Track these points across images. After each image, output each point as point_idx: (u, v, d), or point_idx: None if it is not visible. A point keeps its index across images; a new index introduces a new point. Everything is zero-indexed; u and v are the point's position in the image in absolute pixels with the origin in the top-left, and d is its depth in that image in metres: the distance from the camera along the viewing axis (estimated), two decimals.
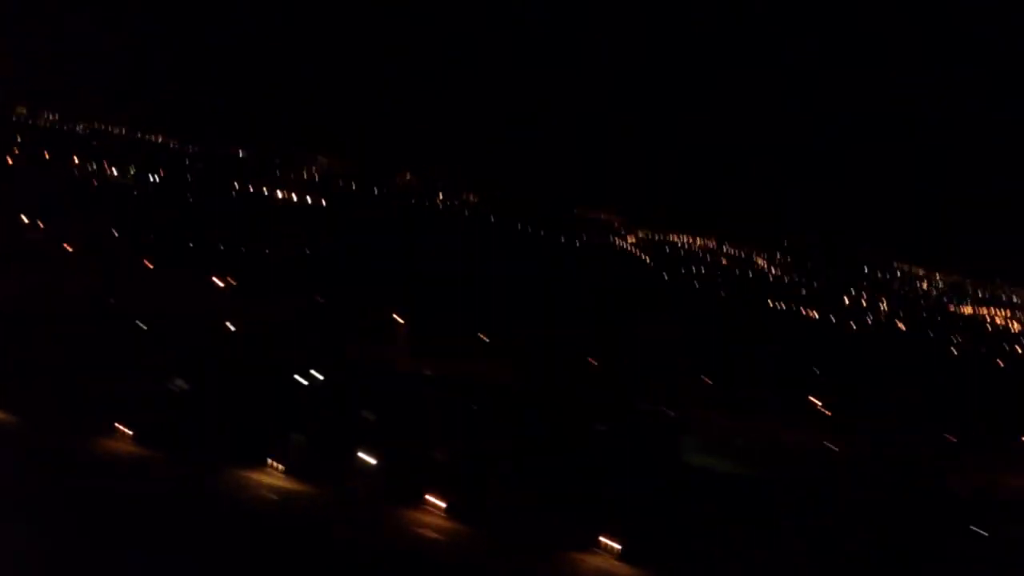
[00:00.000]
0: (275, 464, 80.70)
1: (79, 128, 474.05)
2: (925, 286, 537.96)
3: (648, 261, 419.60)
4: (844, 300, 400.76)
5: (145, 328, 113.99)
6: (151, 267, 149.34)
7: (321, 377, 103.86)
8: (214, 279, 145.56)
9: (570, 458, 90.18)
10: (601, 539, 75.25)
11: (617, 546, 74.65)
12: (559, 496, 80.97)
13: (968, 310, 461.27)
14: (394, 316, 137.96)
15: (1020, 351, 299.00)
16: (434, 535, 75.12)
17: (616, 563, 73.99)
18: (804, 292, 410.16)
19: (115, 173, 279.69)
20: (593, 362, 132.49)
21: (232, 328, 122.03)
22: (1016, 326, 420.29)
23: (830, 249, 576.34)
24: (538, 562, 72.55)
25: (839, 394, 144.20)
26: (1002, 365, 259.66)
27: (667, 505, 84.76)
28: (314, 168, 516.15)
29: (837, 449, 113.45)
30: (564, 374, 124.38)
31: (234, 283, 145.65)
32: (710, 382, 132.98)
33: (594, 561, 74.03)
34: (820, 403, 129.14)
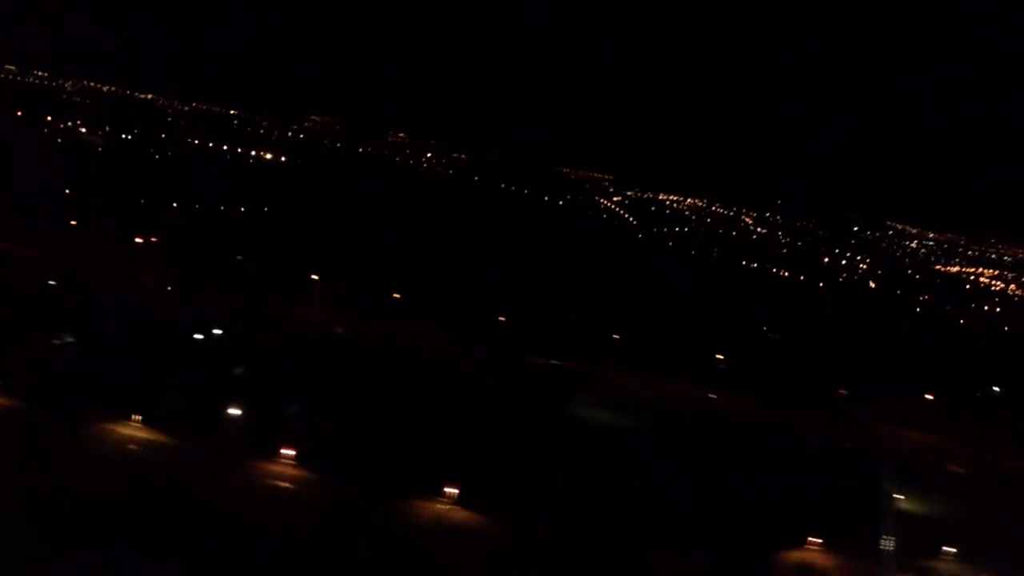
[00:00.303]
0: (137, 417, 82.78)
1: (67, 85, 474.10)
2: (914, 245, 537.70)
3: (631, 220, 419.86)
4: (824, 259, 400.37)
5: (54, 284, 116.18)
6: (75, 224, 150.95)
7: (219, 334, 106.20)
8: (138, 239, 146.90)
9: (437, 409, 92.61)
10: (445, 488, 77.72)
11: (455, 491, 77.28)
12: (412, 446, 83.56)
13: (955, 270, 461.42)
14: (315, 277, 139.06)
15: (986, 309, 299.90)
16: (285, 484, 77.62)
17: (452, 508, 76.54)
18: (785, 251, 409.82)
19: (84, 130, 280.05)
20: (503, 319, 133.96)
21: (146, 286, 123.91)
22: (999, 285, 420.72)
23: (821, 210, 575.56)
24: (380, 508, 74.98)
25: (757, 351, 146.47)
26: (962, 322, 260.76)
27: (528, 453, 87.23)
28: (303, 126, 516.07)
29: (716, 399, 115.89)
30: (473, 330, 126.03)
31: (154, 240, 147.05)
32: (618, 337, 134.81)
33: (434, 507, 76.48)
34: (723, 359, 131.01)
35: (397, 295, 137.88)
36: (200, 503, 72.85)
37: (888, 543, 78.14)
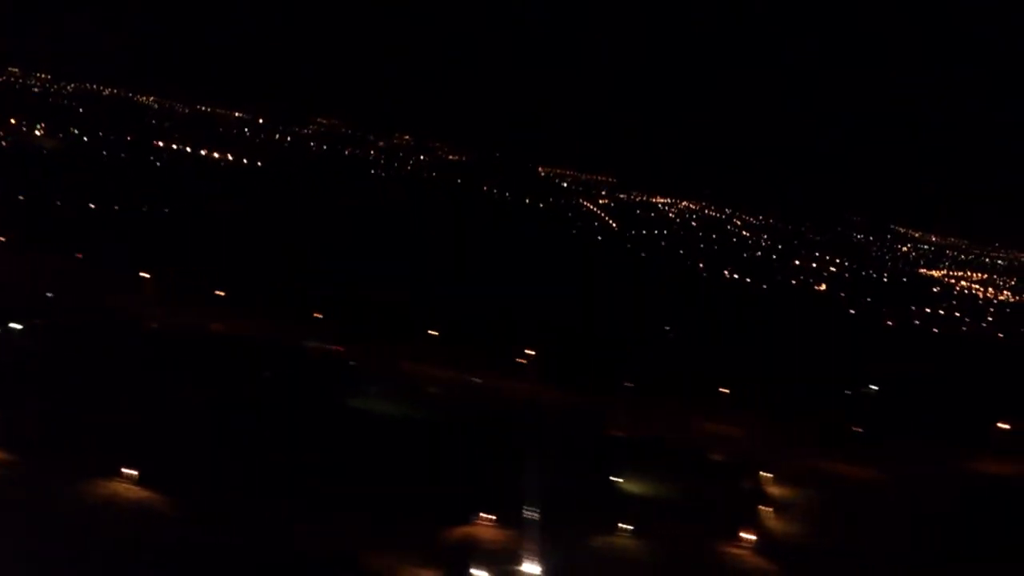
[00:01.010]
0: None
1: (70, 88, 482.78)
2: (906, 248, 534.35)
3: (611, 222, 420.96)
4: (794, 261, 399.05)
5: None
6: None
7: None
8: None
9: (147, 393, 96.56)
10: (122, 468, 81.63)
11: (135, 472, 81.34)
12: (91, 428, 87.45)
13: (938, 273, 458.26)
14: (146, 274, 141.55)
15: (927, 311, 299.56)
16: None
17: (133, 487, 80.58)
18: (759, 254, 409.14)
19: (37, 133, 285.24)
20: (319, 315, 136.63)
21: None
22: (976, 288, 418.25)
23: (823, 213, 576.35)
24: (59, 488, 78.84)
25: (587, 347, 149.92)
26: (890, 324, 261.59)
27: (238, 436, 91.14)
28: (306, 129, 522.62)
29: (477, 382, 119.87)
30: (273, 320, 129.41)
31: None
32: (436, 334, 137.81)
33: (112, 486, 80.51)
34: (533, 353, 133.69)
35: (224, 292, 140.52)
36: None
37: (533, 514, 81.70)
